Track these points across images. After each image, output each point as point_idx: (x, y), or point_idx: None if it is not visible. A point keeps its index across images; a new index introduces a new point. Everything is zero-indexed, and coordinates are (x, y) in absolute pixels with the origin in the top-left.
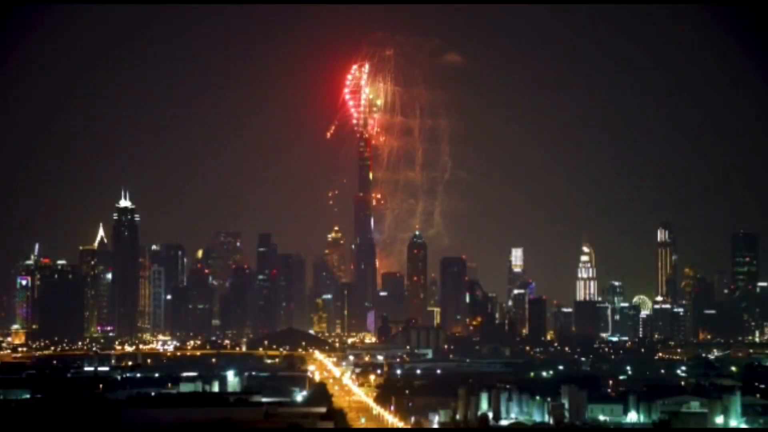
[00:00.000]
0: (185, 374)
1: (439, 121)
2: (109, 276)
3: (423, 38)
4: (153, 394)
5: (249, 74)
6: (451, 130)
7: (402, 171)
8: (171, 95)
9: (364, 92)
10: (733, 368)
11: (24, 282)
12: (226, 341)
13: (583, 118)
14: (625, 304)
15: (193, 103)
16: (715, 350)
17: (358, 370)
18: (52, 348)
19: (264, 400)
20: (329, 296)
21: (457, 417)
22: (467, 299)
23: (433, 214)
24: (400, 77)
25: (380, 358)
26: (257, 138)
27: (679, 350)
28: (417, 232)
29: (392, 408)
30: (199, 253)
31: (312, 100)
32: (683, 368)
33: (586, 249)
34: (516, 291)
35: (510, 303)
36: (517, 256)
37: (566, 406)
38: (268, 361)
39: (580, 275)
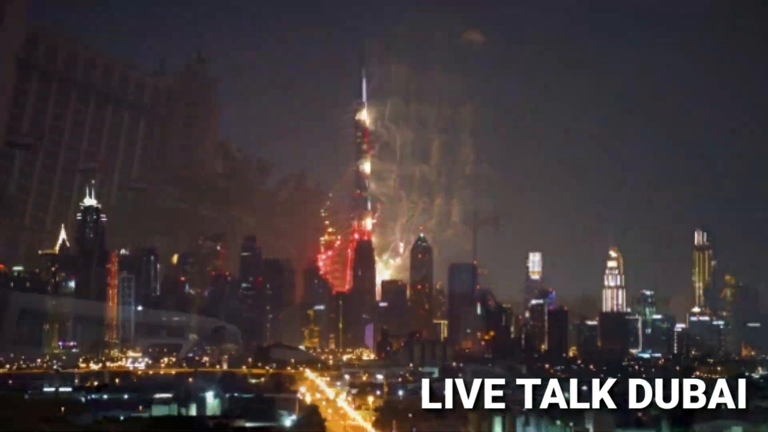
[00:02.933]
0: (158, 396)
1: (458, 108)
2: (72, 284)
3: (439, 14)
4: (122, 418)
5: (248, 68)
6: (472, 120)
7: (415, 165)
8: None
9: (371, 76)
10: None
11: None
12: (205, 358)
13: (613, 108)
14: (658, 316)
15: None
16: (759, 368)
17: (354, 391)
18: (8, 366)
19: (248, 425)
20: (322, 307)
21: None
22: (478, 310)
23: (450, 214)
24: (413, 58)
25: (380, 377)
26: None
27: (719, 368)
28: (421, 235)
29: None
30: (174, 259)
31: (309, 86)
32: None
33: (613, 254)
34: (534, 301)
35: (527, 315)
36: (534, 261)
37: (591, 431)
38: (253, 380)
39: (606, 283)
